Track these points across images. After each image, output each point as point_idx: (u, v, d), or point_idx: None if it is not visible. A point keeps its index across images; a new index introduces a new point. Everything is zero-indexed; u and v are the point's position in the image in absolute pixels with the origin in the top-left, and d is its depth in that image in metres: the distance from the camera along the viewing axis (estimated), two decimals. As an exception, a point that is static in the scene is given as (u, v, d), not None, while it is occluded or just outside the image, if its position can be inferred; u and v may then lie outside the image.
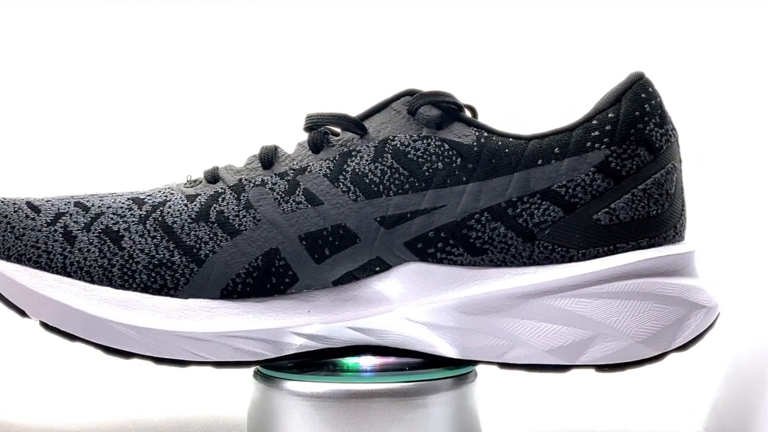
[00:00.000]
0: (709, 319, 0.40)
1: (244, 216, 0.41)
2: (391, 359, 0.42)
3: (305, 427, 0.40)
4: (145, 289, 0.41)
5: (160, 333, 0.40)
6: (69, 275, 0.41)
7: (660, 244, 0.40)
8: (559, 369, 0.39)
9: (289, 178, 0.41)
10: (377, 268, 0.40)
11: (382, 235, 0.40)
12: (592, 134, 0.40)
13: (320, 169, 0.41)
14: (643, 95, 0.40)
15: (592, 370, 0.40)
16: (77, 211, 0.42)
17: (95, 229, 0.41)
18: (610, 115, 0.40)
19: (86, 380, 0.56)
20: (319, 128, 0.42)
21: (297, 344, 0.40)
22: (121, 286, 0.41)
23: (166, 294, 0.41)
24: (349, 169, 0.41)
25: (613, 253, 0.39)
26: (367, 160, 0.41)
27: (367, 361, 0.42)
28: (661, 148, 0.40)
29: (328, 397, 0.40)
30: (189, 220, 0.41)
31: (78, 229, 0.42)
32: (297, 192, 0.41)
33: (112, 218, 0.42)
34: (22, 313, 0.41)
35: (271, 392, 0.42)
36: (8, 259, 0.41)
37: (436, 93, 0.41)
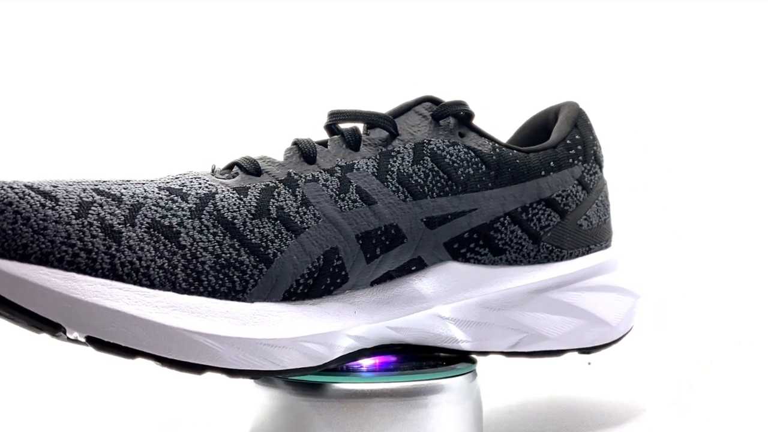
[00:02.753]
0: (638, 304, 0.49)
1: (304, 213, 0.39)
2: (392, 359, 0.42)
3: (305, 427, 0.40)
4: (213, 293, 0.36)
5: (242, 341, 0.36)
6: (120, 278, 0.34)
7: (609, 246, 0.48)
8: (555, 354, 0.45)
9: (338, 174, 0.40)
10: (413, 267, 0.41)
11: (426, 236, 0.41)
12: (570, 152, 0.46)
13: (367, 168, 0.41)
14: (588, 122, 0.48)
15: (575, 354, 0.46)
16: (106, 201, 0.35)
17: (141, 223, 0.35)
18: (576, 137, 0.46)
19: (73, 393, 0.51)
20: (339, 125, 0.42)
21: (345, 346, 0.39)
22: (186, 291, 0.35)
23: (233, 298, 0.36)
24: (394, 170, 0.41)
25: (588, 252, 0.46)
26: (408, 162, 0.41)
27: (367, 361, 0.42)
28: (603, 167, 0.48)
29: (328, 396, 0.40)
30: (249, 216, 0.37)
31: (119, 223, 0.35)
32: (350, 190, 0.40)
33: (157, 211, 0.36)
34: (55, 328, 0.33)
35: (271, 392, 0.40)
36: (25, 259, 0.33)
37: (458, 103, 0.43)
